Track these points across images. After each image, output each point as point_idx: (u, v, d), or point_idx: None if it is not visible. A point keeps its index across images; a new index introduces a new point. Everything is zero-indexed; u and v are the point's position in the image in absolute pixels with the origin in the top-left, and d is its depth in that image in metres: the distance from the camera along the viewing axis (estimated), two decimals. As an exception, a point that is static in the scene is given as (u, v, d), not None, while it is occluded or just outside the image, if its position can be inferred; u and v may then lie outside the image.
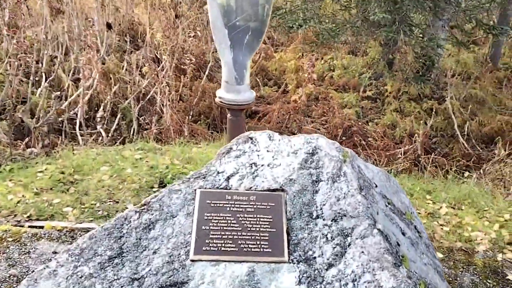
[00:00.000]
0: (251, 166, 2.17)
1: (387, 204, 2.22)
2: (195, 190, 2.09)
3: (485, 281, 2.81)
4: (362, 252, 1.93)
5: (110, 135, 5.62)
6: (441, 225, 3.36)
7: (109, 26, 6.43)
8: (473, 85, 8.13)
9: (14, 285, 2.53)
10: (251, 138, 2.28)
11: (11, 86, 4.79)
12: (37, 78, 6.10)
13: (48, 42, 6.54)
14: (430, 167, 5.25)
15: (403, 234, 2.15)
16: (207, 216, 1.99)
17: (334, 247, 1.95)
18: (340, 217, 2.02)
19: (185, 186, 2.11)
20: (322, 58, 8.99)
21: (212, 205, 2.03)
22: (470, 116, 7.26)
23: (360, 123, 7.19)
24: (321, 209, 2.05)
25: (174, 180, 3.76)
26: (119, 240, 1.94)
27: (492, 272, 2.89)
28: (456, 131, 6.86)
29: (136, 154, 4.27)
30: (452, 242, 3.16)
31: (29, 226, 3.06)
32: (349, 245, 1.95)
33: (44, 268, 1.88)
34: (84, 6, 7.85)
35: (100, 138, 5.54)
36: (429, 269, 2.10)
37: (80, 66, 5.80)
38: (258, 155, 2.21)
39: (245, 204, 2.03)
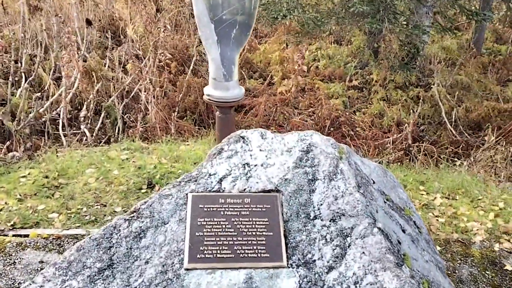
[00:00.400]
0: (244, 167, 2.09)
1: (385, 201, 2.15)
2: (187, 194, 2.00)
3: (483, 272, 2.78)
4: (363, 252, 1.87)
5: (94, 134, 5.47)
6: (436, 216, 3.32)
7: (88, 22, 6.25)
8: (458, 71, 8.14)
9: (0, 299, 2.42)
10: (242, 138, 2.19)
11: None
12: (16, 78, 5.91)
13: (27, 40, 6.33)
14: (420, 155, 5.23)
15: (403, 231, 2.09)
16: (201, 221, 1.91)
17: (334, 249, 1.88)
18: (338, 217, 1.95)
19: (176, 191, 2.02)
20: (307, 49, 8.91)
21: (205, 209, 1.94)
22: (456, 103, 7.27)
23: (347, 113, 7.15)
24: (318, 209, 1.98)
25: (163, 180, 3.66)
26: (108, 251, 1.84)
27: (490, 263, 2.86)
28: (444, 118, 6.86)
29: (123, 155, 4.15)
30: (449, 234, 3.13)
31: (14, 235, 2.94)
32: (349, 246, 1.89)
33: (30, 284, 1.78)
34: (62, 2, 7.62)
35: (85, 138, 5.39)
36: (431, 266, 2.05)
37: (61, 64, 5.62)
38: (250, 155, 2.13)
39: (239, 207, 1.95)
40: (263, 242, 1.87)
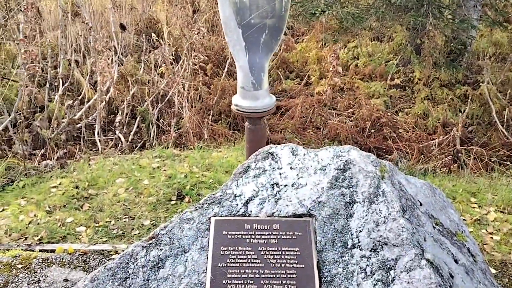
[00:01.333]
0: (273, 187, 1.89)
1: (434, 226, 1.89)
2: (209, 218, 1.82)
3: (548, 301, 2.45)
4: (409, 288, 1.62)
5: (129, 139, 5.43)
6: (490, 233, 3.00)
7: (122, 27, 6.22)
8: (510, 67, 7.58)
9: (22, 321, 2.33)
10: (271, 154, 1.99)
11: (21, 98, 4.62)
12: (56, 84, 5.97)
13: (65, 46, 6.39)
14: (469, 160, 4.84)
15: (456, 261, 1.82)
16: (224, 250, 1.72)
17: (375, 284, 1.64)
18: (380, 246, 1.72)
19: (198, 214, 1.85)
20: (345, 46, 8.58)
21: (229, 236, 1.75)
22: (508, 102, 6.75)
23: (389, 114, 6.79)
24: (357, 237, 1.75)
25: (193, 191, 3.52)
26: (124, 282, 1.69)
27: (555, 290, 2.53)
28: (494, 118, 6.37)
29: (154, 163, 4.04)
30: (505, 254, 2.81)
31: (40, 250, 2.87)
32: (393, 280, 1.65)
33: (42, 317, 1.66)
34: (100, 7, 7.67)
35: (120, 143, 5.36)
36: (489, 304, 1.77)
37: (96, 70, 5.62)
38: (280, 174, 1.92)
39: (267, 234, 1.75)
40: (294, 275, 1.66)
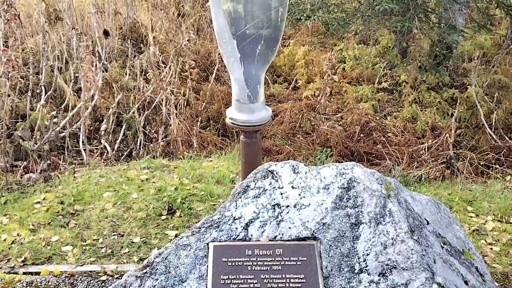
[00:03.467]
0: (274, 208, 1.79)
1: (442, 245, 1.82)
2: (207, 244, 1.71)
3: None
4: (421, 315, 1.54)
5: (115, 148, 5.27)
6: (489, 244, 2.95)
7: (106, 33, 6.06)
8: (495, 69, 7.62)
9: None
10: (271, 172, 1.89)
11: (3, 108, 4.44)
12: (38, 91, 5.77)
13: (47, 52, 6.19)
14: (461, 165, 4.82)
15: (466, 283, 1.75)
16: (224, 279, 1.62)
17: (385, 311, 1.56)
18: (389, 270, 1.63)
19: (195, 239, 1.74)
20: (331, 49, 8.54)
21: (230, 263, 1.65)
22: (496, 105, 6.78)
23: (378, 118, 6.76)
24: (364, 260, 1.66)
25: (184, 204, 3.40)
26: (118, 316, 1.58)
27: (559, 303, 2.48)
28: (483, 121, 6.38)
29: (142, 174, 3.91)
30: (506, 266, 2.76)
31: (24, 273, 2.72)
32: (404, 306, 1.56)
33: None
34: (82, 12, 7.48)
35: (106, 152, 5.20)
36: (503, 328, 1.70)
37: (80, 77, 5.44)
38: (281, 194, 1.82)
39: (269, 261, 1.65)
40: (300, 304, 1.57)
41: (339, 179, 1.84)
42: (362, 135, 6.39)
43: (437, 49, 7.42)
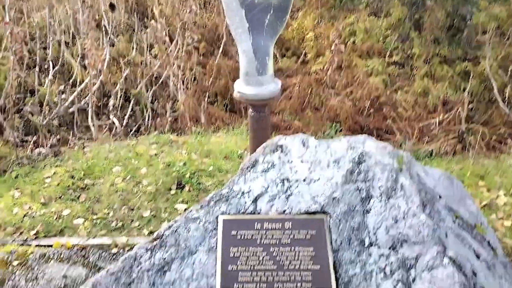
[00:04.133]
0: (283, 183, 1.77)
1: (454, 219, 1.79)
2: (217, 217, 1.71)
3: None
4: (431, 289, 1.53)
5: (124, 123, 5.27)
6: (500, 218, 2.92)
7: (112, 7, 5.97)
8: (510, 41, 7.41)
9: (21, 322, 2.23)
10: (280, 146, 1.86)
11: (9, 83, 4.43)
12: (46, 66, 5.75)
13: (54, 27, 6.14)
14: (474, 140, 4.74)
15: (478, 257, 1.73)
16: (234, 252, 1.61)
17: (396, 285, 1.55)
18: (399, 244, 1.62)
19: (204, 213, 1.73)
20: (344, 28, 8.36)
21: (239, 237, 1.64)
22: (510, 78, 6.62)
23: (388, 93, 6.65)
24: (375, 234, 1.65)
25: (193, 179, 3.40)
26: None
27: None
28: (496, 95, 6.25)
29: (151, 149, 3.91)
30: (517, 240, 2.74)
31: (37, 245, 2.75)
32: (414, 280, 1.56)
33: (41, 327, 1.55)
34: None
35: (114, 128, 5.20)
36: (514, 302, 1.69)
37: (86, 51, 5.40)
38: (290, 168, 1.80)
39: (279, 234, 1.64)
40: (309, 277, 1.57)
41: (350, 153, 1.81)
42: (372, 110, 6.31)
43: (452, 19, 7.21)
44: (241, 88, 2.30)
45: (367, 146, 1.82)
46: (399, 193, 1.70)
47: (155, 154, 3.81)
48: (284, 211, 1.71)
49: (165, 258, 1.64)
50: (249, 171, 1.82)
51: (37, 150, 4.16)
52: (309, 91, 6.57)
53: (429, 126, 5.75)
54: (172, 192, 3.26)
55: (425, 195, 1.74)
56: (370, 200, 1.70)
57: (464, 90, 6.35)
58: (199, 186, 3.32)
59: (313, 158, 1.81)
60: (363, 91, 6.55)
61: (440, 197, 1.82)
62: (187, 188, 3.30)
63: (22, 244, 2.78)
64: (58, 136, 4.68)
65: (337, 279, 1.57)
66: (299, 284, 1.55)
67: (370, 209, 1.69)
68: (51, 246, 2.75)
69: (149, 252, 1.66)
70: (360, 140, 1.84)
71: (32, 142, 4.48)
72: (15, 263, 2.60)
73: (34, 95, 5.15)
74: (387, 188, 1.72)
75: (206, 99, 5.65)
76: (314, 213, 1.70)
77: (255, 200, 1.74)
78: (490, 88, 6.52)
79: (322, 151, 1.83)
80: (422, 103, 6.51)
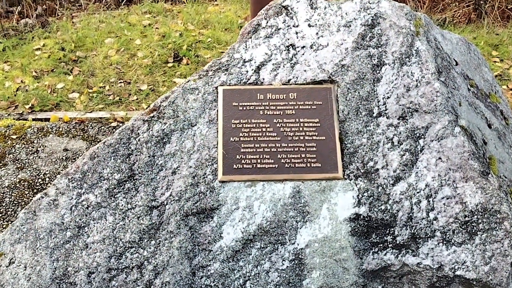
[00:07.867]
0: (288, 50, 1.62)
1: (469, 87, 1.68)
2: (216, 88, 1.60)
3: None
4: (439, 158, 1.48)
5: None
6: (511, 89, 2.82)
7: None
8: None
9: (26, 192, 2.27)
10: (285, 8, 1.67)
11: None
12: None
13: None
14: (489, 8, 4.42)
15: (489, 126, 1.66)
16: (235, 123, 1.54)
17: (403, 155, 1.50)
18: (410, 114, 1.53)
19: (202, 83, 1.62)
20: None
21: (240, 108, 1.55)
22: None
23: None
24: (384, 104, 1.55)
25: (191, 52, 3.23)
26: (127, 159, 1.55)
27: None
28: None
29: (144, 19, 3.66)
30: (526, 111, 2.66)
31: (33, 119, 2.70)
32: (422, 150, 1.50)
33: (42, 197, 1.54)
34: None
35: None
36: (521, 171, 1.66)
37: None
38: (296, 33, 1.64)
39: (283, 105, 1.55)
40: (314, 148, 1.51)
41: (363, 15, 1.63)
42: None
43: None
44: None
45: (382, 6, 1.63)
46: (413, 59, 1.57)
47: (149, 25, 3.58)
48: (289, 80, 1.59)
49: (164, 130, 1.57)
50: (251, 37, 1.65)
51: (23, 21, 3.90)
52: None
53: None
54: (170, 65, 3.12)
55: (441, 62, 1.61)
56: (382, 68, 1.57)
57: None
58: (197, 59, 3.17)
59: (321, 22, 1.64)
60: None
61: (456, 63, 1.69)
62: (184, 61, 3.15)
63: (18, 119, 2.73)
64: (44, 6, 4.36)
65: (342, 150, 1.52)
66: (303, 155, 1.50)
67: (381, 77, 1.57)
68: (48, 120, 2.70)
69: (146, 124, 1.58)
70: (374, 0, 1.64)
71: (17, 12, 4.18)
72: (13, 136, 2.57)
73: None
74: (401, 53, 1.57)
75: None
76: (321, 82, 1.58)
77: (257, 69, 1.61)
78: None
79: (332, 13, 1.65)
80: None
